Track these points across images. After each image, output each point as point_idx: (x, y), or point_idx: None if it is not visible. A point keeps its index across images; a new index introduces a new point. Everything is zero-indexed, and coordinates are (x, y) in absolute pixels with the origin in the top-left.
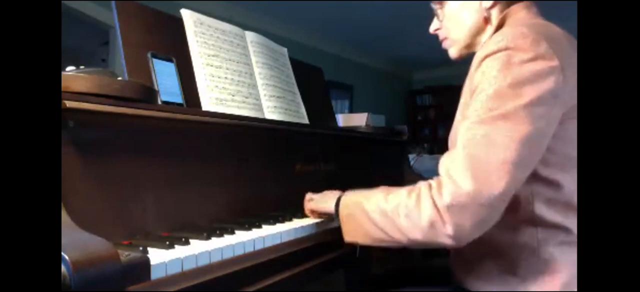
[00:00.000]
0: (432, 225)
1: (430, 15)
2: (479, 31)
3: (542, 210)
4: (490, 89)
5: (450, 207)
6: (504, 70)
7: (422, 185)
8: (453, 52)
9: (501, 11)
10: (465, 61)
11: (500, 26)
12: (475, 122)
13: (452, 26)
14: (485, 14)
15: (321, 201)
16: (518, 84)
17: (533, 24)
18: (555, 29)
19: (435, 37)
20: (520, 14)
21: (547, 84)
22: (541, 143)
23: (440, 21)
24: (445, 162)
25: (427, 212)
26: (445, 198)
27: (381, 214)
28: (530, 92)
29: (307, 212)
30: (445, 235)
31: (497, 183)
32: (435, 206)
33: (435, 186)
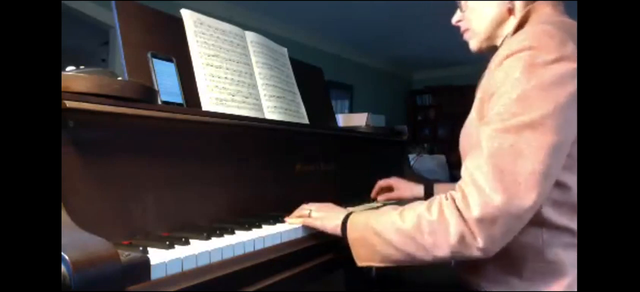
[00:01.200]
0: (461, 240)
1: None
2: (500, 23)
3: (549, 212)
4: (513, 93)
5: (480, 220)
6: (527, 72)
7: (441, 198)
8: (473, 44)
9: (526, 4)
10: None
11: (523, 21)
12: (500, 129)
13: (475, 17)
14: (509, 5)
15: (323, 219)
16: (543, 88)
17: (560, 22)
18: None
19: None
20: (545, 9)
21: (572, 87)
22: (566, 150)
23: (463, 12)
24: (469, 170)
25: (454, 227)
26: (474, 211)
27: (399, 233)
28: (555, 97)
29: (297, 220)
30: (476, 248)
31: (528, 195)
32: (463, 218)
33: (460, 197)
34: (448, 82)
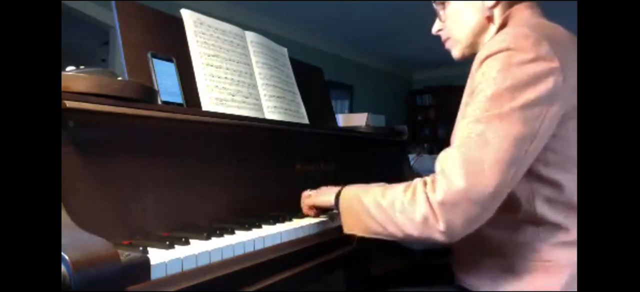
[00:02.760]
0: (425, 221)
1: (430, 15)
2: (481, 30)
3: (543, 209)
4: (488, 90)
5: (442, 204)
6: (503, 71)
7: (418, 181)
8: (456, 53)
9: (504, 11)
10: (465, 62)
11: (502, 26)
12: (471, 121)
13: (455, 26)
14: (488, 13)
15: (320, 195)
16: (516, 87)
17: (537, 24)
18: (558, 30)
19: (435, 37)
20: (523, 13)
21: (545, 85)
22: (536, 143)
23: (443, 22)
24: (441, 159)
25: (420, 208)
26: (438, 195)
27: (378, 208)
28: (527, 95)
29: (304, 208)
30: (437, 231)
31: (489, 182)
32: (429, 202)
33: (430, 182)
34: (448, 82)
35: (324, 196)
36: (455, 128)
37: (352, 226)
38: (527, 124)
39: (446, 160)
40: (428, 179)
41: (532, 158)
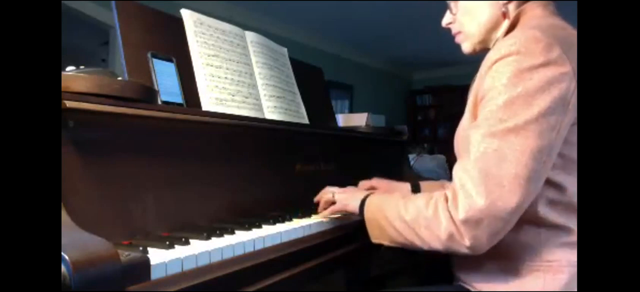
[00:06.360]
0: (450, 237)
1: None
2: (495, 26)
3: (546, 211)
4: (500, 99)
5: (465, 222)
6: (514, 78)
7: (437, 197)
8: (466, 47)
9: (518, 6)
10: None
11: (514, 24)
12: (486, 134)
13: (467, 20)
14: (503, 9)
15: (345, 200)
16: (528, 94)
17: (549, 25)
18: (571, 31)
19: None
20: (536, 11)
21: (558, 91)
22: (552, 153)
23: (454, 14)
24: (459, 173)
25: (444, 225)
26: (460, 213)
27: (402, 222)
28: (540, 103)
29: (322, 205)
30: (463, 246)
31: (511, 198)
32: (452, 219)
33: (451, 199)
34: (448, 82)
35: (350, 202)
36: (460, 128)
37: (378, 236)
38: (544, 136)
39: (465, 175)
40: (449, 194)
41: (549, 167)
